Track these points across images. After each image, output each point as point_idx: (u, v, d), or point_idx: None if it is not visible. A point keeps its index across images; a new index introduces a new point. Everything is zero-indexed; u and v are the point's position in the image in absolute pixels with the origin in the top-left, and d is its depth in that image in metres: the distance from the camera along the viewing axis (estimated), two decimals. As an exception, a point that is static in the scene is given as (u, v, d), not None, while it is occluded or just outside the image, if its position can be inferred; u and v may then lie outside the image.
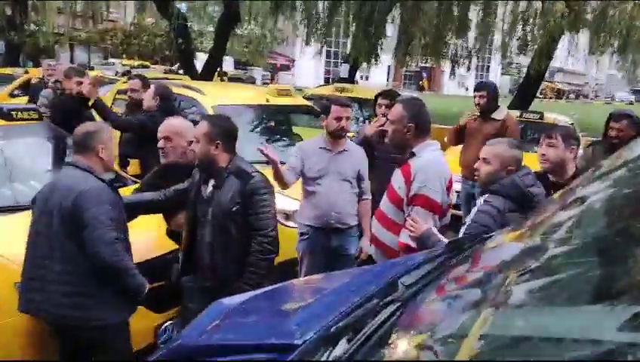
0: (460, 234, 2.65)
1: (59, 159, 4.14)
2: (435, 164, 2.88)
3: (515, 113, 6.75)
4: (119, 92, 6.79)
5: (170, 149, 3.16)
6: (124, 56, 24.99)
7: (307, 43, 15.07)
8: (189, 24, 14.87)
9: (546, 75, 15.67)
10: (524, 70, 15.00)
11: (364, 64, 15.31)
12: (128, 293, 2.63)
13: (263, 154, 3.28)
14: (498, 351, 1.11)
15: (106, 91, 7.34)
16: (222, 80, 16.68)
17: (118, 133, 4.75)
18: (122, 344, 2.69)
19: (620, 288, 1.13)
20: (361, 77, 29.09)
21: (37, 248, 2.62)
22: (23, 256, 2.86)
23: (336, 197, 3.57)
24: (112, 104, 6.58)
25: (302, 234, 3.71)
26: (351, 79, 16.08)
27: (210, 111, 5.24)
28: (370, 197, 3.71)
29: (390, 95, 4.47)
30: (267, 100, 6.09)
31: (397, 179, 2.94)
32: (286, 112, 6.58)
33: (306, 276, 3.50)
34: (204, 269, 2.87)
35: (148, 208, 3.16)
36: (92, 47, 26.68)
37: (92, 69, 17.72)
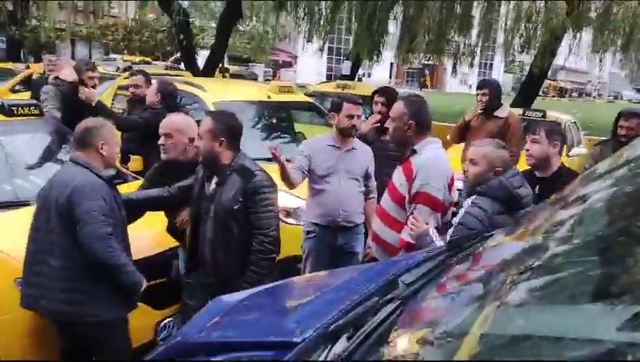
0: (448, 236, 2.61)
1: (60, 155, 4.15)
2: (437, 162, 2.88)
3: (518, 111, 6.73)
4: (120, 88, 6.78)
5: (171, 146, 3.15)
6: (125, 52, 24.95)
7: (309, 40, 15.02)
8: (190, 20, 14.83)
9: (549, 73, 15.62)
10: (527, 68, 14.96)
11: (366, 61, 15.27)
12: (124, 290, 2.61)
13: (271, 153, 3.25)
14: (498, 349, 1.10)
15: (106, 87, 7.33)
16: (223, 76, 16.65)
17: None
18: (118, 341, 2.68)
19: (621, 287, 1.13)
20: (363, 74, 29.02)
21: (36, 244, 2.62)
22: (24, 251, 2.87)
23: (345, 196, 3.55)
24: (113, 100, 6.58)
25: (308, 232, 3.68)
26: (353, 76, 16.05)
27: (212, 108, 5.24)
28: (376, 196, 3.70)
29: (387, 92, 4.46)
30: (268, 97, 6.07)
31: (398, 176, 2.94)
32: (287, 109, 6.57)
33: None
34: (206, 266, 2.87)
35: (153, 205, 3.15)
36: (93, 42, 26.65)
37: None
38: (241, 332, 1.53)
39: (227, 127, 2.82)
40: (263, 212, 2.75)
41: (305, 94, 8.30)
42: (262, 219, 2.75)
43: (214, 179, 2.85)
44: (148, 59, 20.22)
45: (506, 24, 12.85)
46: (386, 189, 3.08)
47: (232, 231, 2.77)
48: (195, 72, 12.81)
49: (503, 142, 2.84)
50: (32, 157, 4.04)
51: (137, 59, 19.41)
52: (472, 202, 2.61)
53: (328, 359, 1.11)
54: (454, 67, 15.39)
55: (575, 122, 8.90)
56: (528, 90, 13.37)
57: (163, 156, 3.20)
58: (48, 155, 4.20)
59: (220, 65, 15.66)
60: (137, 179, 4.10)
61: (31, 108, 4.28)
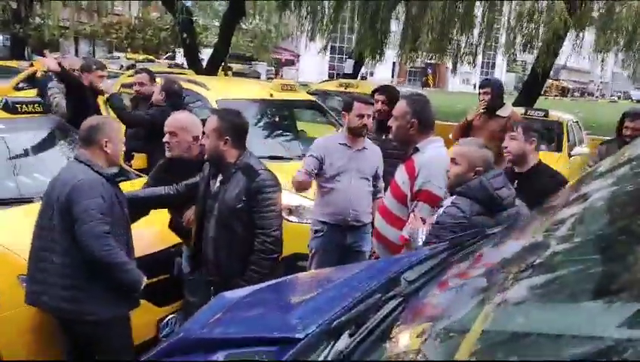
0: (423, 236, 2.58)
1: (63, 153, 4.17)
2: (439, 160, 2.89)
3: (520, 110, 6.73)
4: (123, 85, 6.79)
5: (176, 144, 3.15)
6: (128, 50, 24.98)
7: (312, 39, 15.03)
8: (194, 19, 14.85)
9: (551, 72, 15.58)
10: (530, 67, 14.92)
11: (369, 60, 15.27)
12: (123, 288, 2.61)
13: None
14: (499, 346, 1.11)
15: (109, 85, 7.33)
16: (226, 74, 16.66)
17: (123, 127, 4.74)
18: (118, 339, 2.67)
19: (622, 285, 1.13)
20: (365, 73, 29.01)
21: (40, 241, 2.63)
22: (27, 248, 2.88)
23: (355, 195, 3.53)
24: (117, 98, 6.57)
25: (316, 231, 3.67)
26: (355, 75, 16.04)
27: (215, 106, 5.25)
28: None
29: (387, 91, 4.47)
30: (271, 95, 6.07)
31: (400, 174, 2.95)
32: (290, 107, 6.57)
33: None
34: (209, 264, 2.87)
35: (160, 203, 3.16)
36: (97, 40, 26.70)
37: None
38: (244, 328, 1.54)
39: (232, 125, 2.80)
40: (265, 211, 2.74)
41: (307, 93, 8.31)
42: (264, 219, 2.74)
43: (219, 177, 2.85)
44: (151, 57, 20.29)
45: (509, 23, 12.82)
46: (388, 187, 3.09)
47: (234, 230, 2.76)
48: (198, 70, 12.82)
49: (483, 142, 2.78)
50: (36, 154, 4.06)
51: (141, 57, 19.48)
52: (451, 202, 2.56)
53: (330, 355, 1.12)
54: (454, 66, 15.35)
55: (577, 122, 8.90)
56: (530, 90, 13.35)
57: (167, 154, 3.21)
58: (51, 153, 4.22)
59: (223, 63, 15.67)
60: (140, 176, 4.12)
61: (35, 105, 4.31)
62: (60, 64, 4.72)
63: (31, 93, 7.94)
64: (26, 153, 3.97)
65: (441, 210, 2.61)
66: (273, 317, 1.58)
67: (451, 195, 2.66)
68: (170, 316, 3.24)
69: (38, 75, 9.86)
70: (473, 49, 14.46)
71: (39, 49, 17.89)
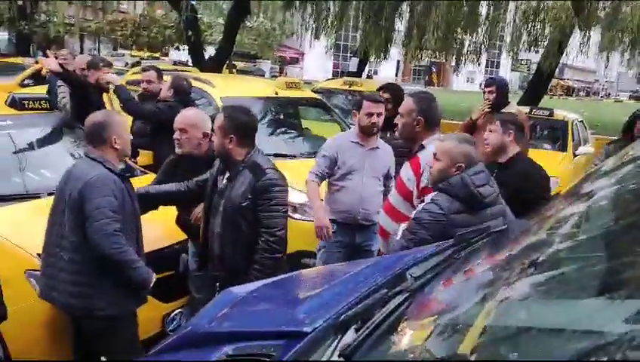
0: (400, 231, 2.57)
1: (70, 149, 4.19)
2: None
3: (525, 110, 6.72)
4: (130, 83, 6.81)
5: (185, 140, 3.16)
6: (133, 47, 25.03)
7: (316, 37, 15.03)
8: (198, 16, 14.87)
9: (556, 71, 15.53)
10: (534, 66, 14.88)
11: (373, 58, 15.27)
12: (132, 286, 2.62)
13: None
14: (503, 341, 1.12)
15: (115, 78, 7.35)
16: (230, 72, 16.70)
17: (128, 118, 4.75)
18: (126, 335, 2.69)
19: (625, 282, 1.14)
20: (370, 71, 28.98)
21: (51, 237, 2.65)
22: (34, 243, 2.91)
23: (366, 194, 3.52)
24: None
25: None
26: (360, 73, 16.03)
27: (219, 103, 5.26)
28: None
29: (391, 89, 4.46)
30: (276, 93, 6.08)
31: (406, 171, 2.96)
32: (295, 105, 6.58)
33: None
34: (214, 259, 2.88)
35: (171, 199, 3.17)
36: (102, 38, 26.74)
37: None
38: (252, 322, 1.56)
39: (238, 124, 2.79)
40: (271, 211, 2.73)
41: (312, 91, 8.32)
42: (270, 218, 2.73)
43: (226, 174, 2.85)
44: (156, 55, 20.32)
45: (514, 22, 12.80)
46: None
47: (240, 228, 2.75)
48: (203, 67, 12.84)
49: (470, 137, 2.75)
50: (42, 150, 4.08)
51: (145, 54, 19.51)
52: (431, 198, 2.52)
53: (338, 349, 1.13)
54: (456, 65, 15.31)
55: (582, 121, 8.87)
56: (535, 89, 13.32)
57: (177, 150, 3.22)
58: (58, 149, 4.24)
59: (227, 61, 15.70)
60: (146, 173, 4.13)
61: (41, 102, 4.33)
62: (61, 65, 4.73)
63: (36, 90, 7.96)
64: (32, 149, 3.99)
65: (420, 206, 2.56)
66: (280, 312, 1.59)
67: (433, 192, 2.60)
68: (178, 311, 3.26)
69: (44, 72, 9.90)
70: (477, 48, 14.44)
71: (44, 46, 17.98)
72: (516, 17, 12.83)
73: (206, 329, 1.54)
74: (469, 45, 14.36)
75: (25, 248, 2.90)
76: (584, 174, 2.87)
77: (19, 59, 13.02)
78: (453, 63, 15.67)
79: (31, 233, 3.04)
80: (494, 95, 5.00)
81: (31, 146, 3.99)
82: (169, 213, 3.34)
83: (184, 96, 4.71)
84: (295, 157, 5.24)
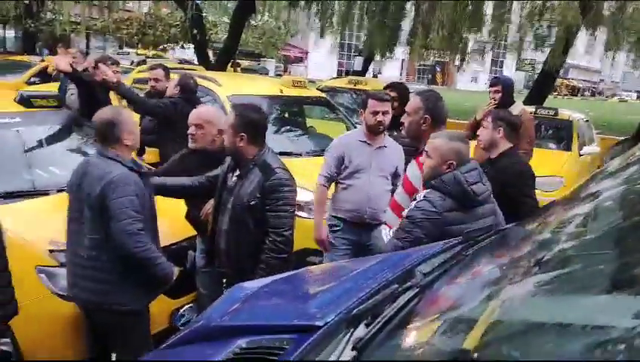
0: (389, 233, 2.58)
1: (78, 146, 4.22)
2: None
3: (530, 109, 6.72)
4: (136, 81, 6.84)
5: (201, 136, 3.18)
6: (138, 45, 25.09)
7: (322, 36, 15.05)
8: (203, 15, 14.91)
9: (560, 71, 15.50)
10: (539, 66, 14.84)
11: (377, 57, 15.28)
12: (152, 281, 2.67)
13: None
14: (511, 337, 1.14)
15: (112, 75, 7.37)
16: (235, 70, 16.74)
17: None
18: (141, 329, 2.74)
19: (629, 279, 1.16)
20: (374, 70, 28.96)
21: (71, 234, 2.69)
22: (44, 239, 2.94)
23: (373, 193, 3.51)
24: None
25: (331, 226, 3.67)
26: (364, 72, 16.04)
27: (226, 102, 5.29)
28: None
29: (397, 87, 4.46)
30: (281, 91, 6.09)
31: (412, 170, 2.97)
32: (300, 104, 6.60)
33: None
34: (221, 256, 2.90)
35: (185, 193, 3.19)
36: (107, 36, 26.79)
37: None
38: (263, 316, 1.57)
39: (249, 122, 2.79)
40: (278, 210, 2.73)
41: (317, 89, 8.33)
42: (277, 218, 2.73)
43: (236, 172, 2.86)
44: (161, 53, 20.37)
45: (520, 22, 12.77)
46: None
47: (247, 226, 2.76)
48: (208, 66, 12.88)
49: (463, 135, 2.73)
50: (51, 147, 4.10)
51: (151, 53, 19.56)
52: (423, 196, 2.49)
53: (350, 342, 1.15)
54: (460, 64, 15.29)
55: (587, 120, 8.85)
56: (541, 88, 13.28)
57: (191, 145, 3.24)
58: (66, 146, 4.26)
59: (232, 59, 15.74)
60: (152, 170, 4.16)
61: (50, 99, 4.36)
62: (71, 65, 4.75)
63: (44, 88, 8.01)
64: (41, 146, 4.02)
65: (412, 204, 2.54)
66: (292, 306, 1.61)
67: (425, 189, 2.59)
68: (187, 306, 3.30)
69: (50, 70, 9.96)
70: (482, 47, 14.43)
71: (50, 44, 18.05)
72: (521, 17, 12.79)
73: (218, 323, 1.56)
74: (474, 45, 14.34)
75: (35, 244, 2.92)
76: (589, 174, 2.89)
77: (25, 58, 13.09)
78: (458, 63, 15.65)
79: (41, 229, 3.07)
80: (500, 94, 4.99)
81: (40, 143, 4.02)
82: (177, 209, 3.36)
83: (189, 94, 4.73)
84: (300, 155, 5.26)
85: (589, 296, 1.22)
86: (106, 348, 2.86)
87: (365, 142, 3.57)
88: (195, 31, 13.42)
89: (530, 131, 4.99)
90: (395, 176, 3.65)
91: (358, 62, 16.76)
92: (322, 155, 3.87)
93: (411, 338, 1.25)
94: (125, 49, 26.60)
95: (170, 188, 3.08)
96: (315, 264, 3.79)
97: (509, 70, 42.59)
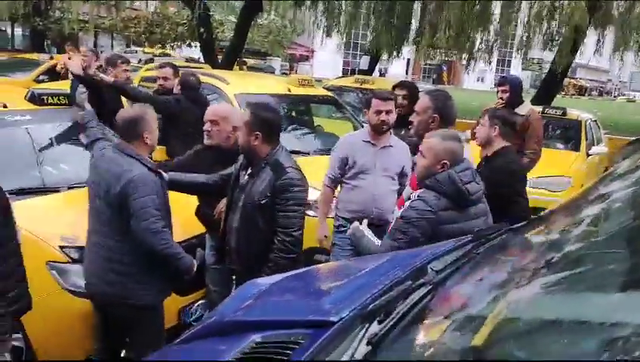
0: (388, 230, 2.59)
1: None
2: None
3: (538, 108, 6.70)
4: (144, 79, 6.87)
5: (216, 132, 3.20)
6: (145, 44, 25.20)
7: (328, 35, 15.05)
8: (211, 14, 14.96)
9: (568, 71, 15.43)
10: (546, 66, 14.79)
11: (384, 56, 15.27)
12: (172, 275, 2.72)
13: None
14: (522, 334, 1.15)
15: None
16: (241, 69, 16.78)
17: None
18: (155, 324, 2.78)
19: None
20: (381, 69, 28.90)
21: (89, 230, 2.73)
22: (55, 236, 2.97)
23: (379, 193, 3.47)
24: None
25: (337, 226, 3.66)
26: (371, 71, 16.04)
27: (233, 100, 5.31)
28: None
29: (407, 86, 4.45)
30: (289, 90, 6.11)
31: (420, 168, 2.98)
32: (307, 102, 6.61)
33: None
34: (231, 253, 2.91)
35: (200, 190, 3.21)
36: (115, 35, 26.91)
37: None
38: (277, 311, 1.59)
39: (264, 121, 2.78)
40: (288, 210, 2.72)
41: (323, 88, 8.35)
42: (287, 218, 2.72)
43: (248, 170, 2.86)
44: (168, 51, 20.44)
45: (528, 21, 12.72)
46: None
47: (257, 225, 2.76)
48: (214, 64, 12.92)
49: (457, 134, 2.72)
50: (61, 145, 4.13)
51: (158, 51, 19.64)
52: (418, 195, 2.49)
53: (366, 337, 1.17)
54: (467, 64, 15.24)
55: (596, 120, 8.81)
56: (548, 88, 13.23)
57: (207, 141, 3.26)
58: (76, 143, 4.29)
59: (238, 58, 15.78)
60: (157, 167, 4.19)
61: (60, 97, 4.40)
62: (84, 69, 4.76)
63: (53, 86, 8.06)
64: (51, 143, 4.05)
65: (407, 204, 2.53)
66: (306, 302, 1.62)
67: (419, 189, 2.59)
68: (199, 302, 3.33)
69: (58, 68, 10.01)
70: (489, 46, 14.38)
71: (59, 42, 18.15)
72: (529, 16, 12.74)
73: (232, 318, 1.58)
74: (481, 44, 14.29)
75: (46, 240, 2.95)
76: (597, 174, 2.89)
77: (34, 55, 13.14)
78: (464, 62, 15.61)
79: (52, 225, 3.11)
80: (507, 94, 4.97)
81: (50, 141, 4.05)
82: (185, 207, 3.38)
83: (190, 91, 4.74)
84: (308, 154, 5.27)
85: (601, 294, 1.23)
86: (115, 344, 2.89)
87: (369, 142, 3.52)
88: (202, 29, 13.46)
89: (539, 131, 4.97)
90: (402, 175, 3.63)
91: (364, 61, 16.76)
92: (329, 154, 3.88)
93: (425, 334, 1.26)
94: (132, 47, 26.71)
95: (184, 184, 3.10)
96: (321, 262, 3.81)
97: (515, 69, 42.45)
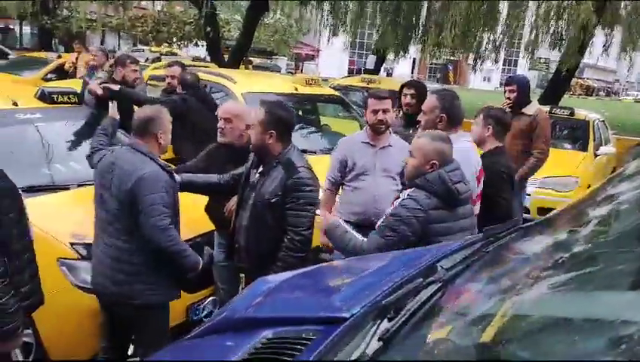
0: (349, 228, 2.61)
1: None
2: (465, 154, 2.89)
3: (545, 108, 6.68)
4: (152, 78, 6.91)
5: (229, 130, 3.22)
6: (152, 43, 25.27)
7: (334, 34, 15.05)
8: (217, 13, 14.99)
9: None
10: (553, 65, 14.73)
11: (390, 56, 15.25)
12: (178, 274, 2.73)
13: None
14: (530, 331, 1.16)
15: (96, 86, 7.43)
16: (247, 68, 16.81)
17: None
18: (160, 323, 2.79)
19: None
20: (386, 69, 28.87)
21: (97, 226, 2.74)
22: (65, 233, 2.99)
23: (380, 194, 3.42)
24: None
25: None
26: (377, 71, 16.02)
27: (240, 99, 5.33)
28: None
29: (415, 85, 4.45)
30: (296, 89, 6.12)
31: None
32: (314, 102, 6.63)
33: None
34: (240, 251, 2.92)
35: (212, 190, 3.22)
36: (122, 33, 27.00)
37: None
38: (288, 308, 1.60)
39: (278, 119, 2.79)
40: (299, 210, 2.73)
41: (329, 87, 8.36)
42: (297, 217, 2.73)
43: (259, 168, 2.87)
44: (175, 50, 20.48)
45: (535, 21, 12.67)
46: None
47: (267, 223, 2.77)
48: (221, 63, 12.95)
49: (445, 135, 2.73)
50: (71, 143, 4.17)
51: (164, 50, 19.69)
52: (408, 194, 2.52)
53: (378, 333, 1.18)
54: (474, 63, 15.19)
55: (603, 121, 8.78)
56: (555, 88, 13.18)
57: (220, 139, 3.27)
58: (86, 141, 4.32)
59: (244, 57, 15.81)
60: (169, 167, 4.21)
61: (70, 95, 4.43)
62: (105, 89, 4.73)
63: (62, 84, 8.10)
64: (61, 141, 4.08)
65: (397, 202, 2.56)
66: (317, 299, 1.63)
67: (409, 188, 2.61)
68: (210, 298, 3.35)
69: (66, 67, 10.08)
70: (496, 46, 14.33)
71: (66, 41, 18.24)
72: (536, 16, 12.69)
73: (243, 315, 1.59)
74: (487, 43, 14.25)
75: (57, 237, 2.98)
76: (604, 175, 2.89)
77: (42, 54, 13.23)
78: (471, 62, 15.57)
79: (63, 222, 3.14)
80: (515, 94, 4.96)
81: (60, 139, 4.09)
82: (193, 206, 3.39)
83: (190, 88, 4.76)
84: (315, 153, 5.28)
85: (610, 293, 1.24)
86: (122, 342, 2.91)
87: (368, 143, 3.49)
88: (208, 28, 13.49)
89: (546, 131, 4.96)
90: (403, 175, 3.62)
91: (370, 61, 16.72)
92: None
93: (435, 331, 1.27)
94: (139, 46, 26.80)
95: (198, 185, 3.13)
96: (326, 261, 3.82)
97: (522, 69, 42.28)
